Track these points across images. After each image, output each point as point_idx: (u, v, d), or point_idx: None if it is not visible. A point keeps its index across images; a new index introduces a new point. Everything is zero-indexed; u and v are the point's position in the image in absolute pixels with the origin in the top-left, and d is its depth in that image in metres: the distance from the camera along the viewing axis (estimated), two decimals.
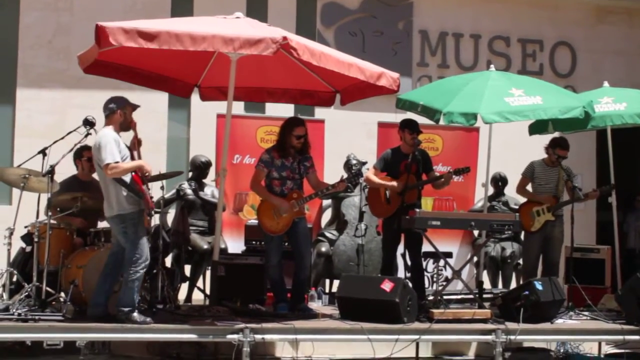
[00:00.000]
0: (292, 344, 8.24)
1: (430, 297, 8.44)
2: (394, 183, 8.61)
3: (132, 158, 7.43)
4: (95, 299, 7.40)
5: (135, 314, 7.19)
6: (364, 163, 9.88)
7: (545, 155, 9.44)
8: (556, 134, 10.01)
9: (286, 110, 11.19)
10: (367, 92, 8.78)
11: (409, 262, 8.77)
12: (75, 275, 7.72)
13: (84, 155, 8.51)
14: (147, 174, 7.43)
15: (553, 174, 9.37)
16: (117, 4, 11.72)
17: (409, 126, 8.75)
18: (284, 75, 9.01)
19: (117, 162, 7.18)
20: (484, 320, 7.87)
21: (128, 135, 7.52)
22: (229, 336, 7.18)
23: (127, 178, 7.30)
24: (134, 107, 7.57)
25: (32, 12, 11.78)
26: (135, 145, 7.51)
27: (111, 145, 7.21)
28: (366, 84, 8.32)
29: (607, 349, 9.04)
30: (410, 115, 9.80)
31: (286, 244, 8.42)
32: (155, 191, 8.77)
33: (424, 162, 8.79)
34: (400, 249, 8.88)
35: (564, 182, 9.36)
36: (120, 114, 7.44)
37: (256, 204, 9.76)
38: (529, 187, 9.50)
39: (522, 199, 9.65)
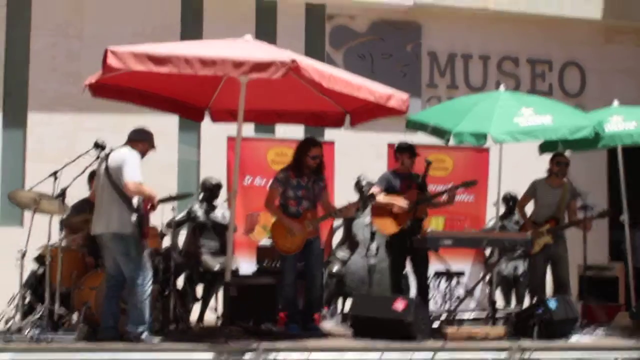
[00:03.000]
0: None
1: (444, 316, 8.41)
2: (402, 204, 8.64)
3: None
4: (104, 324, 7.42)
5: (146, 335, 7.21)
6: (370, 195, 9.91)
7: (548, 175, 9.41)
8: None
9: (296, 131, 11.22)
10: (377, 113, 8.79)
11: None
12: (87, 297, 7.77)
13: None
14: (153, 205, 7.47)
15: (555, 195, 9.34)
16: (127, 29, 11.80)
17: (409, 150, 8.90)
18: (294, 97, 9.02)
19: (140, 182, 7.24)
20: (499, 338, 7.88)
21: None
22: (243, 357, 7.17)
23: (136, 204, 7.35)
24: (153, 146, 7.67)
25: (43, 38, 11.87)
26: None
27: (136, 164, 7.33)
28: (375, 105, 8.34)
29: None
30: (419, 135, 9.85)
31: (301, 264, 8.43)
32: (167, 213, 8.83)
33: (421, 184, 8.89)
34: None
35: (566, 203, 9.33)
36: (143, 146, 7.56)
37: (268, 225, 9.77)
38: (531, 206, 9.48)
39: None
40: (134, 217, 7.30)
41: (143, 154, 7.56)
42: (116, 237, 7.34)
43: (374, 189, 8.85)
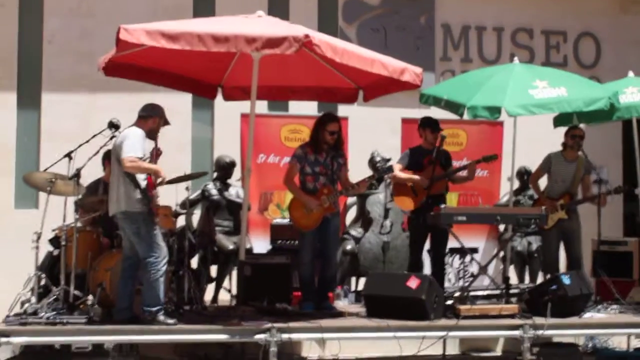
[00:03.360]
0: (319, 343, 8.26)
1: (457, 294, 8.42)
2: (419, 177, 8.62)
3: None
4: (119, 305, 7.45)
5: (161, 316, 7.23)
6: (388, 159, 9.90)
7: (562, 149, 9.35)
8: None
9: (310, 108, 11.19)
10: (390, 88, 8.76)
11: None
12: (102, 278, 7.78)
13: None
14: (160, 180, 7.44)
15: (570, 169, 9.28)
16: (139, 8, 11.75)
17: (430, 125, 8.85)
18: (307, 73, 9.00)
19: (138, 157, 7.22)
20: (512, 316, 7.86)
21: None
22: (256, 336, 7.22)
23: (141, 181, 7.34)
24: (167, 122, 7.64)
25: (55, 18, 11.85)
26: (154, 156, 7.57)
27: (136, 140, 7.30)
28: (389, 79, 8.29)
29: (636, 343, 8.98)
30: (433, 110, 9.79)
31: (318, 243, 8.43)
32: (181, 192, 8.84)
33: (445, 159, 8.88)
34: (427, 245, 8.92)
35: (580, 178, 9.28)
36: (153, 122, 7.53)
37: (282, 204, 9.78)
38: (544, 180, 9.43)
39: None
40: (138, 195, 7.29)
41: (153, 130, 7.53)
42: (125, 216, 7.34)
43: (396, 167, 8.84)
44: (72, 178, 7.74)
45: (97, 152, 8.03)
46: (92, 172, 8.50)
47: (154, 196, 7.45)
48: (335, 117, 8.51)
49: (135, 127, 7.46)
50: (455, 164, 9.78)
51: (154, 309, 7.24)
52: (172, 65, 8.71)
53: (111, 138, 7.78)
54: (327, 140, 8.35)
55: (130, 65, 8.40)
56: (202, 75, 9.21)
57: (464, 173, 8.94)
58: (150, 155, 7.55)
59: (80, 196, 7.88)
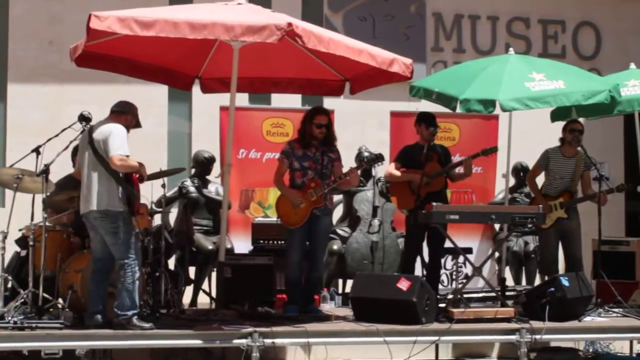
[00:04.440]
0: (304, 348, 8.22)
1: (450, 296, 8.44)
2: (415, 176, 8.66)
3: None
4: (91, 308, 7.41)
5: (136, 320, 7.22)
6: (377, 155, 9.90)
7: (561, 144, 9.38)
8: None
9: (293, 101, 11.20)
10: (379, 80, 8.77)
11: (426, 260, 8.83)
12: (73, 279, 7.75)
13: None
14: (140, 178, 7.46)
15: (569, 165, 9.30)
16: None
17: (425, 120, 8.90)
18: (290, 64, 9.02)
19: (126, 155, 7.23)
20: (507, 320, 7.88)
21: None
22: (237, 341, 7.21)
23: (123, 177, 7.35)
24: (138, 124, 7.66)
25: (22, 3, 11.80)
26: None
27: (123, 138, 7.31)
28: (377, 71, 8.31)
29: None
30: (424, 103, 9.81)
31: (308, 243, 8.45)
32: (157, 189, 8.82)
33: (444, 156, 8.91)
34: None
35: (579, 175, 9.33)
36: (126, 119, 7.53)
37: (264, 201, 9.78)
38: (542, 178, 9.47)
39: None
40: (122, 193, 7.29)
41: (127, 128, 7.53)
42: (105, 215, 7.32)
43: (391, 166, 8.87)
44: (40, 174, 7.69)
45: (67, 146, 8.00)
46: (62, 168, 8.45)
47: (139, 194, 7.45)
48: (324, 110, 8.54)
49: (116, 123, 7.44)
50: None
51: (129, 313, 7.22)
52: (146, 55, 8.71)
53: (82, 132, 7.75)
54: (315, 134, 8.37)
55: (103, 55, 8.40)
56: (179, 66, 9.21)
57: (460, 169, 8.96)
58: None
59: (48, 193, 7.84)
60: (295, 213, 8.31)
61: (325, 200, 8.42)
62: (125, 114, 7.54)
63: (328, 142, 8.48)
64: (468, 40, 13.38)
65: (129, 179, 7.42)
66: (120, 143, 7.26)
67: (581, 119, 9.90)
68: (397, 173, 8.87)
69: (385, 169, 9.08)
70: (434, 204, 8.33)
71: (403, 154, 9.00)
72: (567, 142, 9.31)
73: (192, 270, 9.47)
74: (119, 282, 7.32)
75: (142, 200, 8.39)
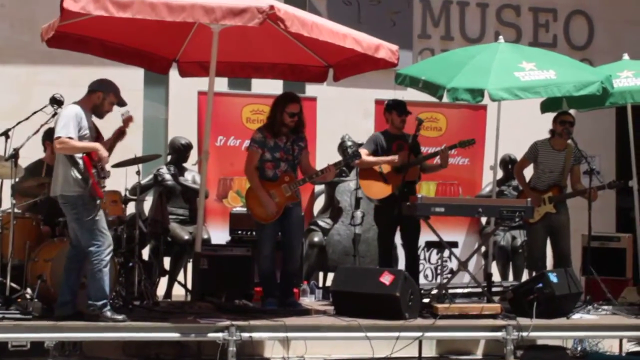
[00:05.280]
0: (283, 343, 8.26)
1: (434, 291, 8.46)
2: (394, 157, 8.67)
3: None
4: (61, 298, 7.38)
5: (108, 311, 7.20)
6: (360, 144, 9.91)
7: (550, 136, 9.41)
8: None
9: (274, 87, 11.15)
10: (363, 67, 8.78)
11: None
12: (42, 269, 7.71)
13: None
14: (101, 160, 7.34)
15: (559, 158, 9.35)
16: None
17: (396, 108, 8.92)
18: (272, 49, 9.00)
19: (69, 138, 7.17)
20: (494, 316, 7.91)
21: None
22: (213, 334, 7.20)
23: (78, 159, 7.27)
24: (120, 100, 7.55)
25: None
26: (115, 134, 7.55)
27: (69, 120, 7.22)
28: (362, 57, 8.32)
29: (629, 347, 9.09)
30: (410, 91, 9.82)
31: (279, 233, 8.44)
32: (131, 176, 8.80)
33: (414, 145, 8.89)
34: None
35: (569, 168, 9.36)
36: (97, 97, 7.45)
37: (242, 190, 9.76)
38: (530, 170, 9.50)
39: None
40: (76, 176, 7.23)
41: (98, 107, 7.44)
42: (64, 200, 7.29)
43: (362, 152, 8.84)
44: (9, 159, 7.67)
45: (38, 130, 7.97)
46: (32, 152, 8.44)
47: (94, 178, 7.31)
48: (296, 97, 8.47)
49: (72, 104, 7.40)
50: (433, 150, 9.82)
51: (99, 303, 7.19)
52: (122, 37, 8.67)
53: (53, 115, 7.72)
54: (287, 123, 8.33)
55: (76, 36, 8.35)
56: (156, 49, 9.17)
57: (437, 160, 8.97)
58: (113, 134, 7.54)
59: (17, 179, 7.81)
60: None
61: (298, 195, 8.43)
62: (95, 92, 7.46)
63: (297, 130, 8.43)
64: (456, 28, 13.39)
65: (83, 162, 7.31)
66: (63, 124, 7.19)
67: (572, 111, 9.94)
68: (369, 158, 8.83)
69: None
70: (419, 195, 8.35)
71: (372, 142, 8.98)
72: (557, 134, 9.34)
73: (166, 261, 9.49)
74: (89, 271, 7.29)
75: (116, 188, 8.41)
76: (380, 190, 8.82)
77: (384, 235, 8.93)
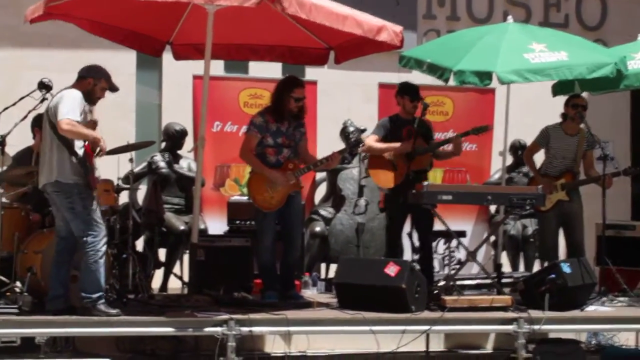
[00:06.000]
0: (284, 337, 8.24)
1: (442, 283, 8.45)
2: (400, 144, 8.65)
3: None
4: (52, 292, 7.38)
5: (102, 305, 7.19)
6: (363, 130, 9.89)
7: (562, 121, 9.39)
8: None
9: (273, 70, 11.14)
10: (366, 49, 8.75)
11: (416, 243, 8.84)
12: (32, 261, 7.72)
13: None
14: (100, 151, 7.35)
15: (571, 143, 9.32)
16: None
17: (409, 93, 8.88)
18: (270, 30, 8.96)
19: (76, 121, 7.16)
20: (504, 308, 7.90)
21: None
22: (211, 329, 7.19)
23: (78, 149, 7.27)
24: (112, 86, 7.55)
25: None
26: (89, 125, 7.50)
27: (75, 103, 7.21)
28: (364, 39, 8.27)
29: None
30: (415, 74, 9.79)
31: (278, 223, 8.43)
32: (124, 164, 8.78)
33: (426, 131, 8.87)
34: (406, 227, 8.93)
35: (582, 154, 9.34)
36: (88, 83, 7.43)
37: (240, 178, 9.75)
38: (541, 156, 9.48)
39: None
40: (74, 164, 7.21)
41: (89, 93, 7.42)
42: (58, 188, 7.26)
43: (370, 138, 8.82)
44: None
45: (26, 116, 7.97)
46: (20, 140, 8.44)
47: (93, 168, 7.38)
48: (302, 82, 8.50)
49: (72, 88, 7.39)
50: (440, 136, 9.82)
51: (94, 295, 7.18)
52: (113, 18, 8.63)
53: (42, 101, 7.69)
54: (292, 108, 8.34)
55: (65, 16, 8.28)
56: (149, 30, 9.13)
57: (449, 147, 8.95)
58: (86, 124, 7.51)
59: (5, 167, 7.81)
60: (272, 197, 8.26)
61: (300, 184, 8.43)
62: (85, 78, 7.46)
63: (299, 116, 8.43)
64: (463, 8, 13.39)
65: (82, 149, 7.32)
66: (70, 107, 7.17)
67: (585, 94, 9.92)
68: (377, 145, 8.82)
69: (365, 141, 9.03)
70: (425, 183, 8.33)
71: (383, 127, 8.95)
72: (569, 118, 9.32)
73: (162, 253, 9.49)
74: (82, 262, 7.28)
75: (109, 176, 8.39)
76: (391, 178, 8.79)
77: (393, 225, 8.90)
